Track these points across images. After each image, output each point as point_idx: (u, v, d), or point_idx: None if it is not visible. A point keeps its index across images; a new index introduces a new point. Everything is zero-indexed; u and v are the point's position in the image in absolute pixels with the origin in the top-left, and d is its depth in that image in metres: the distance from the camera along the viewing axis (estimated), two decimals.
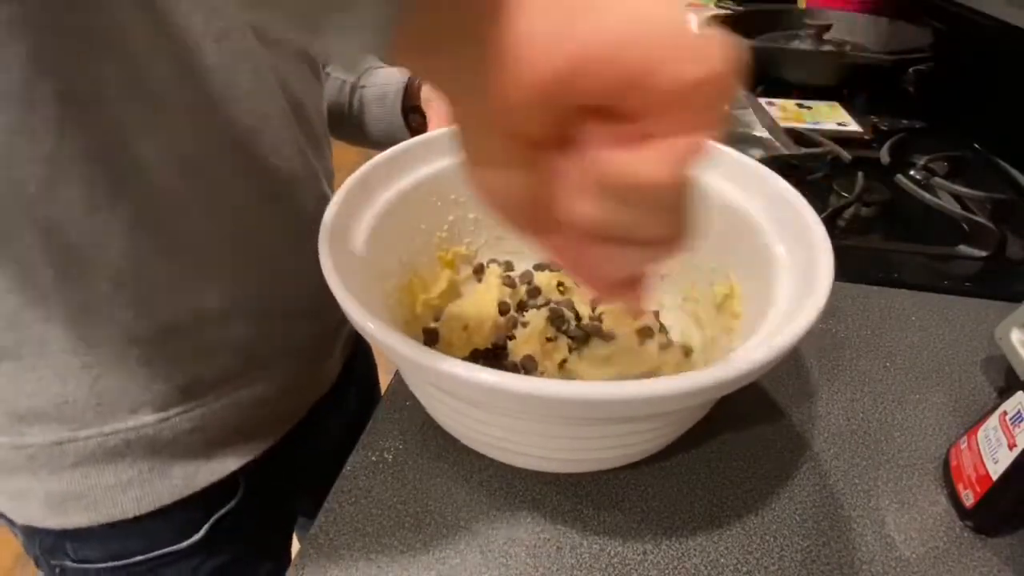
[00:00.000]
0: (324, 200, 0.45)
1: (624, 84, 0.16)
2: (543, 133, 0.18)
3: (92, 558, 0.43)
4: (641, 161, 0.17)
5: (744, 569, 0.34)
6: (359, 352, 0.60)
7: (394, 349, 0.27)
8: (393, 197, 0.40)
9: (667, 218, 0.19)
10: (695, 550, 0.35)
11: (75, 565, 0.43)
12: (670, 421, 0.33)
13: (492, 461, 0.39)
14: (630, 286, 0.23)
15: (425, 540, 0.35)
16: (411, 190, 0.41)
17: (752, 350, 0.29)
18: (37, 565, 0.45)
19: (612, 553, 0.35)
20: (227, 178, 0.38)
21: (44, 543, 0.43)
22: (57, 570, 0.44)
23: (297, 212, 0.43)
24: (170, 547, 0.43)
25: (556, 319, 0.42)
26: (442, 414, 0.36)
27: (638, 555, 0.34)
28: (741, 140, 0.73)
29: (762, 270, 0.37)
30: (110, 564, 0.43)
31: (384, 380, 0.47)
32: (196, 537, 0.44)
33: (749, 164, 0.40)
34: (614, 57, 0.16)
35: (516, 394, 0.26)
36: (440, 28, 0.17)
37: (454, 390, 0.29)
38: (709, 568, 0.34)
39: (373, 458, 0.39)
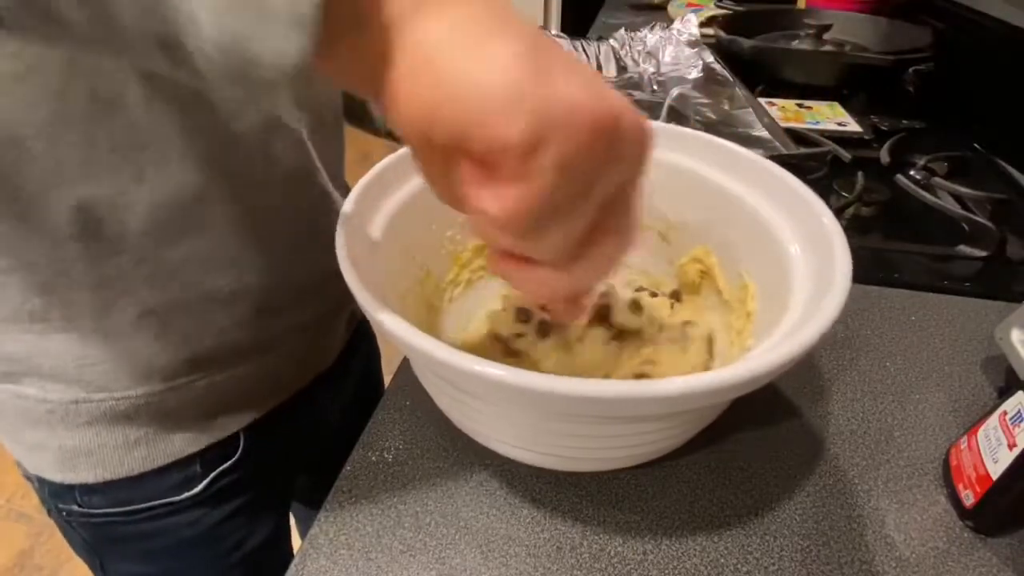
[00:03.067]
0: (325, 191, 0.47)
1: (456, 138, 0.19)
2: (446, 155, 0.20)
3: (96, 504, 0.46)
4: (480, 197, 0.20)
5: (744, 569, 0.34)
6: (362, 330, 0.62)
7: (406, 340, 0.27)
8: (406, 196, 0.40)
9: (539, 245, 0.21)
10: (695, 550, 0.35)
11: (80, 510, 0.46)
12: (682, 422, 0.33)
13: (492, 461, 0.39)
14: (571, 302, 0.27)
15: (425, 540, 0.35)
16: (423, 190, 0.41)
17: (769, 350, 0.29)
18: (48, 511, 0.49)
19: (612, 553, 0.35)
20: (236, 171, 0.40)
21: (52, 489, 0.46)
22: (64, 513, 0.47)
23: (301, 201, 0.45)
24: (170, 498, 0.46)
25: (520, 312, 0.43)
26: (452, 408, 0.36)
27: (638, 555, 0.35)
28: (741, 140, 0.73)
29: (776, 269, 0.36)
30: (113, 510, 0.46)
31: (387, 372, 0.47)
32: (195, 490, 0.47)
33: (761, 162, 0.40)
34: (441, 117, 0.19)
35: (526, 390, 0.26)
36: (348, 68, 0.20)
37: (465, 385, 0.29)
38: (709, 568, 0.34)
39: (373, 458, 0.39)
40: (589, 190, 0.20)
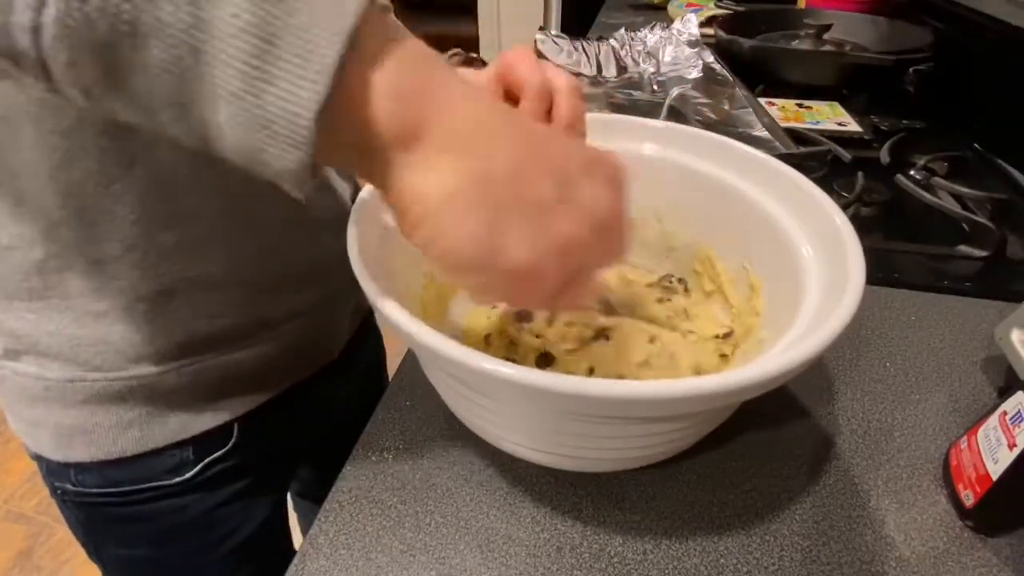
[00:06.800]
0: (321, 180, 0.47)
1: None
2: None
3: (90, 483, 0.47)
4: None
5: (744, 569, 0.34)
6: (369, 323, 0.62)
7: (414, 335, 0.27)
8: None
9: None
10: (695, 550, 0.35)
11: (75, 489, 0.47)
12: (696, 422, 0.33)
13: (492, 461, 0.39)
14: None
15: (425, 540, 0.35)
16: None
17: (784, 351, 0.28)
18: (50, 491, 0.50)
19: (612, 553, 0.35)
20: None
21: (50, 466, 0.47)
22: (59, 491, 0.48)
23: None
24: (162, 482, 0.47)
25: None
26: (460, 406, 0.36)
27: (638, 555, 0.35)
28: (741, 140, 0.72)
29: (787, 270, 0.36)
30: (106, 490, 0.47)
31: (392, 368, 0.47)
32: (187, 475, 0.47)
33: (773, 163, 0.40)
34: (428, 254, 0.26)
35: (536, 389, 0.26)
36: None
37: (473, 382, 0.29)
38: (709, 568, 0.34)
39: (373, 458, 0.39)
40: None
